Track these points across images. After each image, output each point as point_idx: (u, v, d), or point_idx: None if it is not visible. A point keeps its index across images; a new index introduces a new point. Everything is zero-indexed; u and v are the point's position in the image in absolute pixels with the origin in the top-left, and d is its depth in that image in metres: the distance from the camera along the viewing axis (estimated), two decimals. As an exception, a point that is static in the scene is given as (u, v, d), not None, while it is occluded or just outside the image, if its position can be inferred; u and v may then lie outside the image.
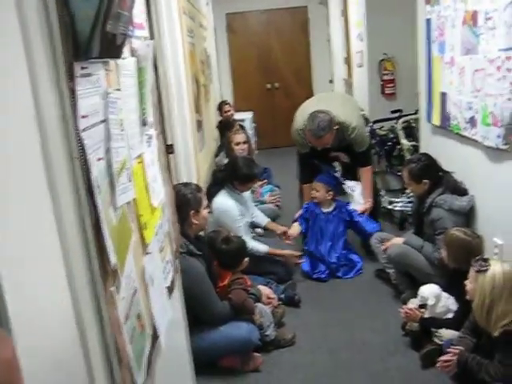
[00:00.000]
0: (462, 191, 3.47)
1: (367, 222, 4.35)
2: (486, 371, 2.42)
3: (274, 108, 9.41)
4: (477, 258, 2.56)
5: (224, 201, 3.86)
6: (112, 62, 1.60)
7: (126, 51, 1.81)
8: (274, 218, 5.08)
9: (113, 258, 1.36)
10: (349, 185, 4.55)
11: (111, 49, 1.53)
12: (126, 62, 1.78)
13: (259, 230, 4.84)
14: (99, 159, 1.37)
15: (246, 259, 3.29)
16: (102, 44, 1.39)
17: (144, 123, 1.97)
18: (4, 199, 1.14)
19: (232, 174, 3.97)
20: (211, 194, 3.84)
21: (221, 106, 7.12)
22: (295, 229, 4.34)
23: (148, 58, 2.03)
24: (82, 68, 1.31)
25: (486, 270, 2.45)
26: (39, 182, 1.13)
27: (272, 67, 9.51)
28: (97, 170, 1.34)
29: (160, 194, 2.11)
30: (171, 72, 3.47)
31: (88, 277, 1.28)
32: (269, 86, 9.59)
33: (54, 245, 1.17)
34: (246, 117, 8.06)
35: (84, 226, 1.25)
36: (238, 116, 7.64)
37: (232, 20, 9.36)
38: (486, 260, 2.51)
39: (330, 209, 4.35)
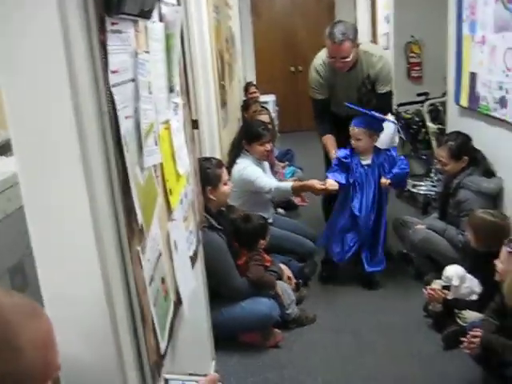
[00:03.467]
0: (490, 173, 3.41)
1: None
2: (511, 353, 2.39)
3: (297, 91, 9.30)
4: (510, 238, 2.51)
5: (244, 163, 3.78)
6: (141, 23, 1.59)
7: (154, 15, 1.79)
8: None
9: (140, 217, 1.35)
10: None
11: (141, 8, 1.51)
12: (155, 26, 1.76)
13: (281, 211, 4.83)
14: (127, 117, 1.36)
15: (263, 241, 3.24)
16: (132, 1, 1.37)
17: (171, 90, 1.96)
18: (33, 150, 1.14)
19: (241, 134, 3.95)
20: (230, 160, 3.79)
21: (247, 88, 7.10)
22: (332, 183, 3.51)
23: (176, 24, 2.00)
24: (113, 24, 1.29)
25: None
26: (69, 133, 1.12)
27: (296, 50, 9.39)
28: (125, 127, 1.33)
29: (186, 163, 2.10)
30: (197, 46, 3.45)
31: (115, 234, 1.27)
32: (292, 69, 9.49)
33: (82, 198, 1.16)
34: (269, 99, 8.01)
35: (112, 182, 1.24)
36: (261, 98, 7.59)
37: (257, 1, 9.27)
38: None
39: (369, 160, 3.57)
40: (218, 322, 2.84)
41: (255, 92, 7.03)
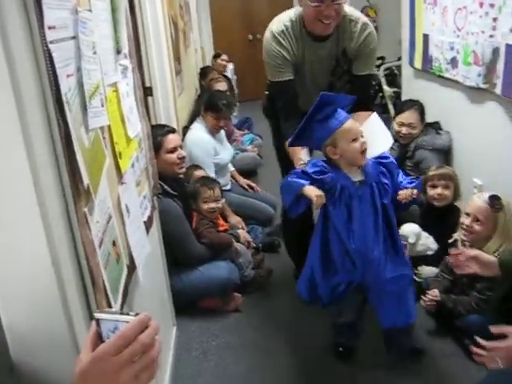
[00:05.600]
0: (439, 128, 3.54)
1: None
2: (462, 305, 2.50)
3: (255, 59, 9.13)
4: (492, 194, 2.57)
5: (197, 133, 3.81)
6: (81, -20, 1.54)
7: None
8: (255, 167, 5.10)
9: (85, 178, 1.33)
10: None
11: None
12: (97, -16, 1.71)
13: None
14: (69, 76, 1.32)
15: (203, 204, 3.18)
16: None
17: (118, 51, 1.91)
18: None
19: (200, 101, 3.91)
20: (188, 123, 3.79)
21: (216, 56, 7.08)
22: (316, 192, 2.17)
23: (120, -17, 1.95)
24: (47, -23, 1.24)
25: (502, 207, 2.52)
26: (3, 90, 1.08)
27: (254, 18, 9.28)
28: (67, 86, 1.29)
29: (136, 127, 2.07)
30: (148, 11, 3.37)
31: (59, 194, 1.24)
32: (250, 37, 9.40)
33: (22, 159, 1.12)
34: (227, 68, 7.94)
35: (53, 141, 1.21)
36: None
37: (212, -32, 9.11)
38: (499, 198, 2.55)
39: (360, 174, 2.29)
40: (178, 289, 2.85)
41: (226, 60, 7.01)
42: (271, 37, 2.61)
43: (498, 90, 2.74)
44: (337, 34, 2.60)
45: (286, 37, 2.59)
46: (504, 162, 2.84)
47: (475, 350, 1.64)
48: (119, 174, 1.76)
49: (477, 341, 1.64)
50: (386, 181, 2.29)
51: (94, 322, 0.87)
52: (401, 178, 2.35)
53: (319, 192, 2.17)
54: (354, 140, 2.20)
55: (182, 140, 3.80)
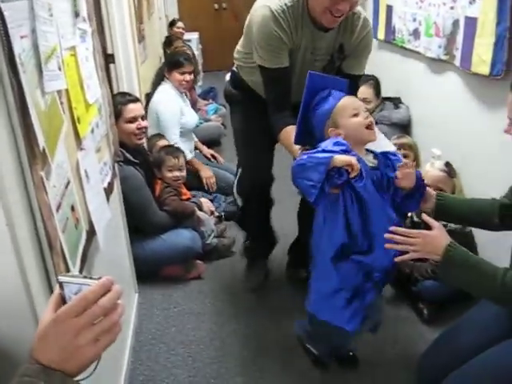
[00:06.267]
0: (398, 102, 3.59)
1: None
2: (418, 271, 2.57)
3: (221, 29, 9.16)
4: (446, 162, 2.64)
5: (164, 95, 3.84)
6: None
7: None
8: (219, 136, 5.10)
9: (41, 141, 1.31)
10: None
11: None
12: None
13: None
14: (23, 37, 1.30)
15: (167, 172, 3.19)
16: None
17: (76, 14, 1.88)
18: None
19: (162, 67, 3.96)
20: (152, 89, 3.80)
21: (173, 24, 6.97)
22: (351, 158, 1.82)
23: None
24: None
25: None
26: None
27: (220, -14, 9.20)
28: (20, 47, 1.27)
29: (96, 92, 2.05)
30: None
31: (14, 156, 1.23)
32: (216, 6, 9.30)
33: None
34: (192, 37, 7.85)
35: (7, 102, 1.20)
36: (184, 36, 7.44)
37: None
38: (451, 164, 2.66)
39: (372, 160, 1.98)
40: (141, 257, 2.85)
41: (183, 28, 6.93)
42: (270, 16, 2.19)
43: (457, 62, 2.78)
44: (338, 27, 2.27)
45: (287, 18, 2.21)
46: (462, 131, 2.90)
47: (391, 235, 1.67)
48: (78, 139, 1.74)
49: (394, 230, 1.68)
50: (392, 175, 1.95)
51: (57, 285, 0.87)
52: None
53: (354, 157, 1.83)
54: (355, 115, 1.96)
55: (147, 105, 3.80)
